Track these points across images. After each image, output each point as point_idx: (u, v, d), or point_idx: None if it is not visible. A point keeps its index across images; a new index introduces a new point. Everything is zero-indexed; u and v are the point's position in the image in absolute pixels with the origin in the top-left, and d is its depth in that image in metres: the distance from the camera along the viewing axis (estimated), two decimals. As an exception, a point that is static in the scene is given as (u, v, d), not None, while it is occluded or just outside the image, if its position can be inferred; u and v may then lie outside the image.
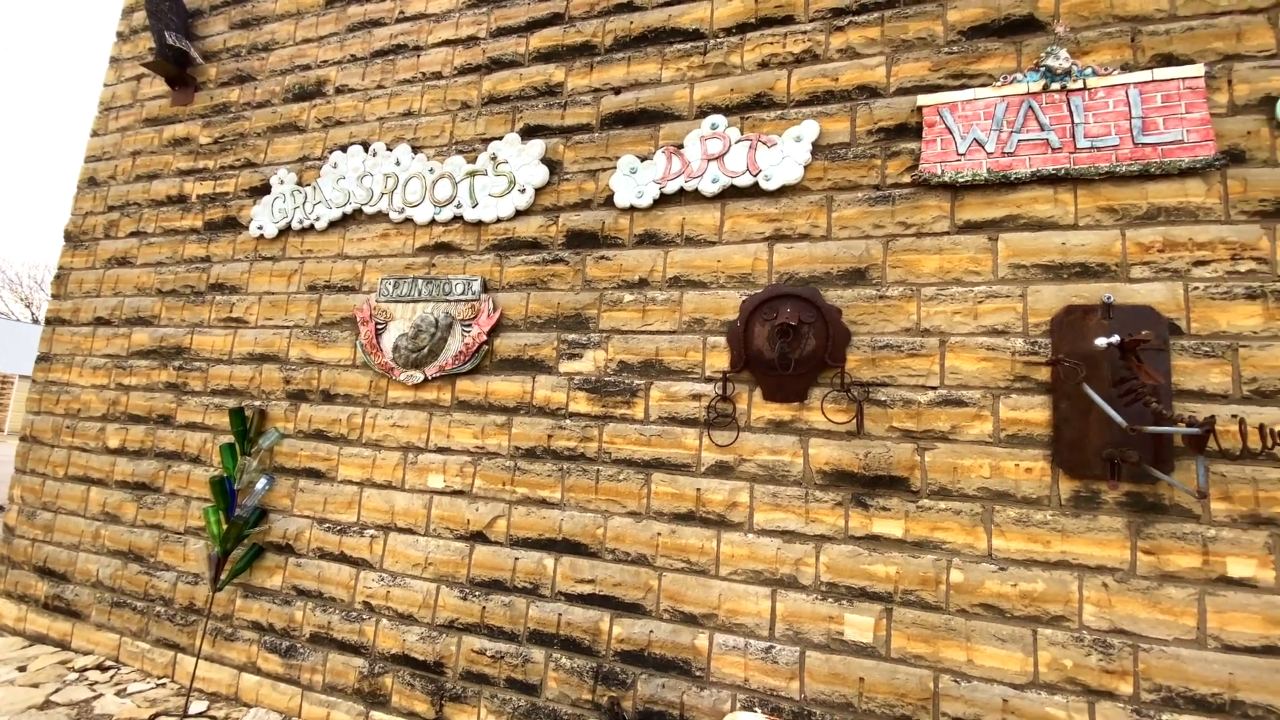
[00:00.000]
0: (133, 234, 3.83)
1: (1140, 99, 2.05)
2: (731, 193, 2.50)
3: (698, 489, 2.35)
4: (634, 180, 2.64)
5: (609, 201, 2.69)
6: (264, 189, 3.46)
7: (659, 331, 2.53)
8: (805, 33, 2.51)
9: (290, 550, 2.96)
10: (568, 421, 2.59)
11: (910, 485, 2.11)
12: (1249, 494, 1.80)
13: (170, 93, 3.92)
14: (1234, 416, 1.70)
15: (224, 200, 3.58)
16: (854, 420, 2.19)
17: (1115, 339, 1.82)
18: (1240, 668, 1.74)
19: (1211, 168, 1.95)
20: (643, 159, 2.65)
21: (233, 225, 3.51)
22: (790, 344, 2.26)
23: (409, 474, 2.81)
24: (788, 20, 2.55)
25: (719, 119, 2.55)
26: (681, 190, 2.57)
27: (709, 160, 2.53)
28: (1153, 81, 2.05)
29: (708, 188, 2.51)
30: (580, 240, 2.72)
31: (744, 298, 2.42)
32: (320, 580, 2.87)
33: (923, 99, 2.29)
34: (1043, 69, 2.16)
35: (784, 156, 2.43)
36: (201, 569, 3.15)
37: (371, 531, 2.83)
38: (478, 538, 2.63)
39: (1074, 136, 2.10)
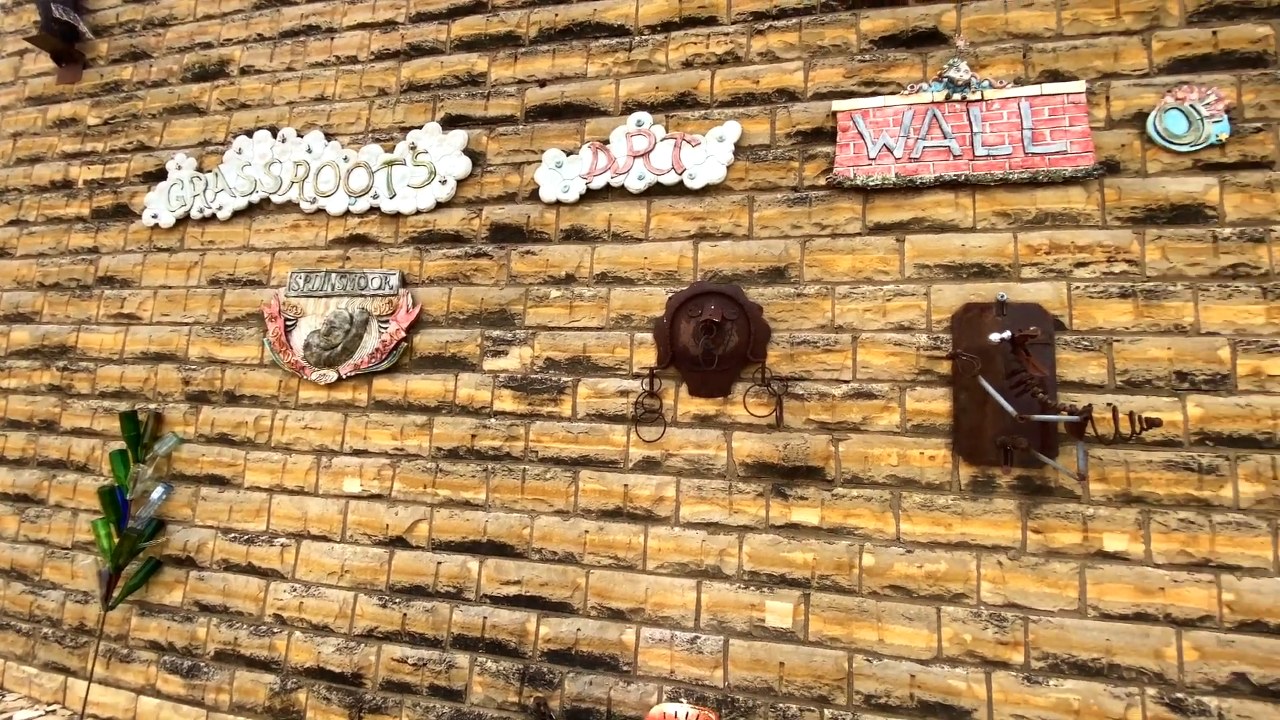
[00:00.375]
0: (12, 223, 3.48)
1: (1030, 111, 2.20)
2: (658, 190, 2.52)
3: (625, 485, 2.36)
4: (560, 174, 2.61)
5: (534, 195, 2.65)
6: (160, 175, 3.20)
7: (586, 328, 2.52)
8: (728, 34, 2.56)
9: (192, 563, 2.77)
10: (492, 420, 2.54)
11: (826, 474, 2.19)
12: (1122, 475, 1.98)
13: (56, 69, 3.59)
14: (1109, 405, 1.85)
15: (114, 186, 3.29)
16: (774, 414, 2.25)
17: (1007, 334, 1.96)
18: (1116, 634, 1.91)
19: (1091, 177, 2.12)
20: (569, 153, 2.62)
21: (124, 213, 3.24)
22: (715, 340, 2.30)
23: (323, 478, 2.68)
24: (711, 21, 2.59)
25: (644, 116, 2.56)
26: (608, 186, 2.56)
27: (635, 157, 2.54)
28: (1041, 95, 2.20)
29: (634, 184, 2.52)
30: (504, 234, 2.67)
31: (670, 295, 2.44)
32: (226, 594, 2.70)
33: (837, 104, 2.37)
34: (945, 80, 2.28)
35: (708, 156, 2.46)
36: (92, 586, 2.90)
37: (282, 540, 2.68)
38: (398, 543, 2.54)
39: (973, 145, 2.23)
